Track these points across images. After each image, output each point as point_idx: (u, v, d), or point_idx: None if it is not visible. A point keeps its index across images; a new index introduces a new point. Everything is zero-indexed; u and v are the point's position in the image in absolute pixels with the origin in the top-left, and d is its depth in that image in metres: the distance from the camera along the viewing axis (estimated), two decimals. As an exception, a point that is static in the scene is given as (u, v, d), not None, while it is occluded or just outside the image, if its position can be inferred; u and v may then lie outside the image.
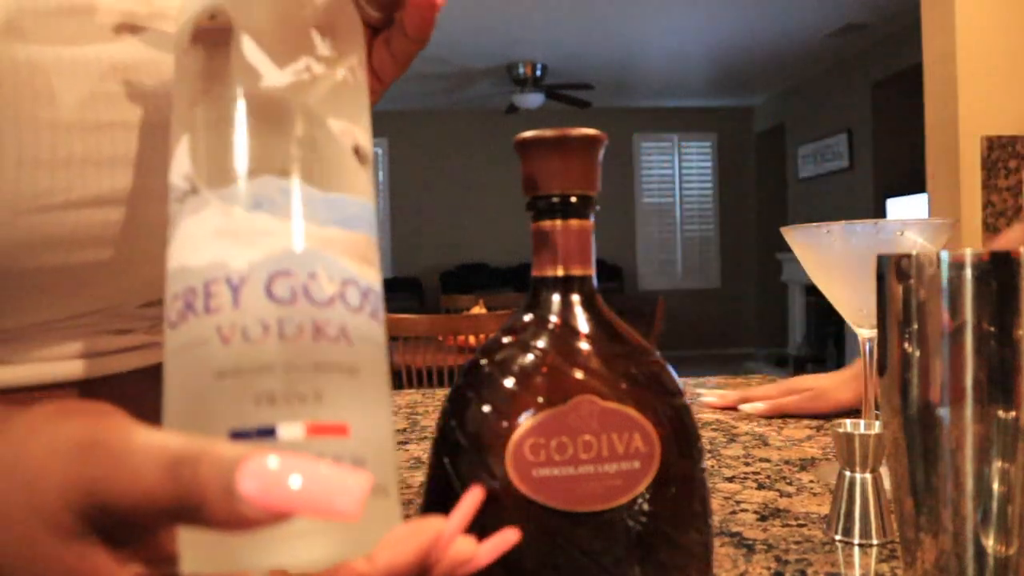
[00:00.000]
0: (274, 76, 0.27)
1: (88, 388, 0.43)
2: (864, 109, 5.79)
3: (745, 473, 0.63)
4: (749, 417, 0.87)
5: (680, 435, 0.35)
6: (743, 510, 0.54)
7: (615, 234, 7.63)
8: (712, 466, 0.66)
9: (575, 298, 0.36)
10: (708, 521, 0.36)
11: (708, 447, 0.72)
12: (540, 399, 0.33)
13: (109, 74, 0.39)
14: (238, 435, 0.23)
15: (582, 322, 0.35)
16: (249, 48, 0.27)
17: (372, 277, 0.28)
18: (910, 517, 0.33)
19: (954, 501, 0.31)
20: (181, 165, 0.26)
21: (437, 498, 0.35)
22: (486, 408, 0.34)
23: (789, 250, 0.65)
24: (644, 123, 7.74)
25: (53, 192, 0.37)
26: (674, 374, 0.36)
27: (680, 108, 7.74)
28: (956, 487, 0.31)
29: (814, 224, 0.59)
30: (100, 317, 0.44)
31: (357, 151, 0.29)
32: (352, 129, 0.29)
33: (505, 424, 0.33)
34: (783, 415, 0.85)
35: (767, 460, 0.67)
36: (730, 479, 0.62)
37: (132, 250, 0.42)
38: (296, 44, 0.27)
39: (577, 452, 0.33)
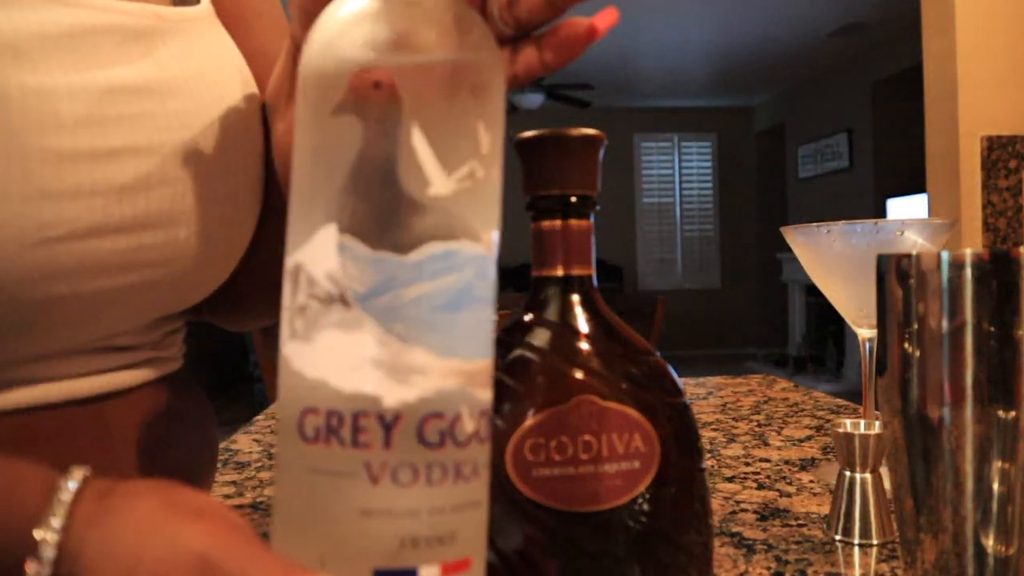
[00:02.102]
0: (441, 184, 0.24)
1: (97, 404, 0.43)
2: (864, 109, 5.79)
3: (745, 473, 0.63)
4: (749, 417, 0.87)
5: (680, 435, 0.35)
6: (743, 510, 0.54)
7: (615, 234, 7.63)
8: (712, 466, 0.66)
9: (575, 298, 0.36)
10: (708, 521, 0.36)
11: (708, 447, 0.72)
12: (540, 399, 0.33)
13: (112, 96, 0.38)
14: (381, 574, 0.23)
15: (582, 322, 0.35)
16: (419, 143, 0.23)
17: (490, 398, 0.27)
18: (910, 517, 0.33)
19: (954, 501, 0.31)
20: (325, 260, 0.24)
21: None
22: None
23: (789, 250, 0.65)
24: (644, 123, 7.74)
25: (59, 223, 0.37)
26: (674, 374, 0.36)
27: (680, 108, 7.73)
28: (956, 487, 0.31)
29: (814, 224, 0.59)
30: (108, 337, 0.43)
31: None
32: (495, 220, 0.26)
33: (505, 424, 0.33)
34: None
35: (767, 460, 0.67)
36: (730, 479, 0.62)
37: (141, 276, 0.42)
38: (463, 139, 0.24)
39: (577, 452, 0.33)
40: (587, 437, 0.33)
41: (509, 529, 0.33)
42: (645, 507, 0.34)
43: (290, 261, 0.25)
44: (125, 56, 0.40)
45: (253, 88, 0.48)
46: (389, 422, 0.23)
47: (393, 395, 0.23)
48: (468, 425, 0.25)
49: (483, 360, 0.25)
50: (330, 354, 0.24)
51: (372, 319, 0.24)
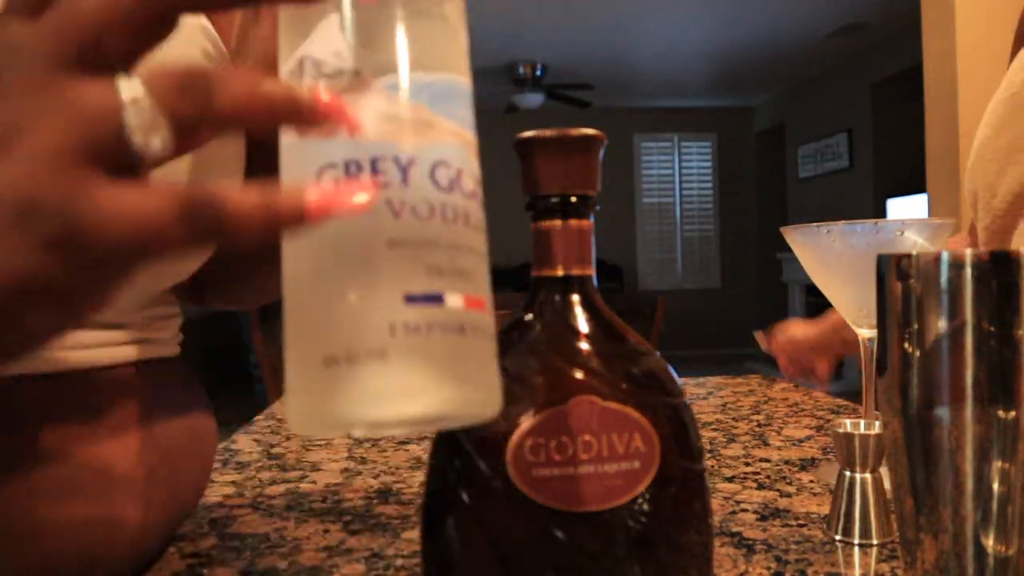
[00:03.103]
0: None
1: (81, 378, 0.43)
2: (864, 109, 5.79)
3: (745, 473, 0.63)
4: (749, 417, 0.87)
5: (680, 435, 0.35)
6: (743, 510, 0.54)
7: (615, 234, 7.63)
8: (712, 466, 0.66)
9: (575, 298, 0.36)
10: (708, 521, 0.36)
11: (708, 447, 0.72)
12: (540, 399, 0.33)
13: None
14: (412, 299, 0.25)
15: (582, 322, 0.35)
16: None
17: (479, 173, 0.30)
18: (910, 517, 0.33)
19: (954, 501, 0.31)
20: (331, 42, 0.26)
21: (437, 498, 0.35)
22: None
23: (789, 250, 0.65)
24: (644, 123, 7.74)
25: None
26: (674, 374, 0.36)
27: (680, 108, 7.74)
28: (956, 487, 0.31)
29: (814, 224, 0.59)
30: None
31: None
32: (466, 38, 0.30)
33: (505, 424, 0.33)
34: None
35: (767, 460, 0.67)
36: (730, 479, 0.62)
37: None
38: None
39: (577, 452, 0.33)
40: (587, 437, 0.33)
41: (509, 529, 0.33)
42: (645, 507, 0.34)
43: (291, 63, 0.27)
44: None
45: (220, 45, 0.48)
46: (404, 164, 0.26)
47: (406, 141, 0.26)
48: (468, 183, 0.27)
49: (474, 138, 0.29)
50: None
51: (380, 83, 0.26)
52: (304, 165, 0.26)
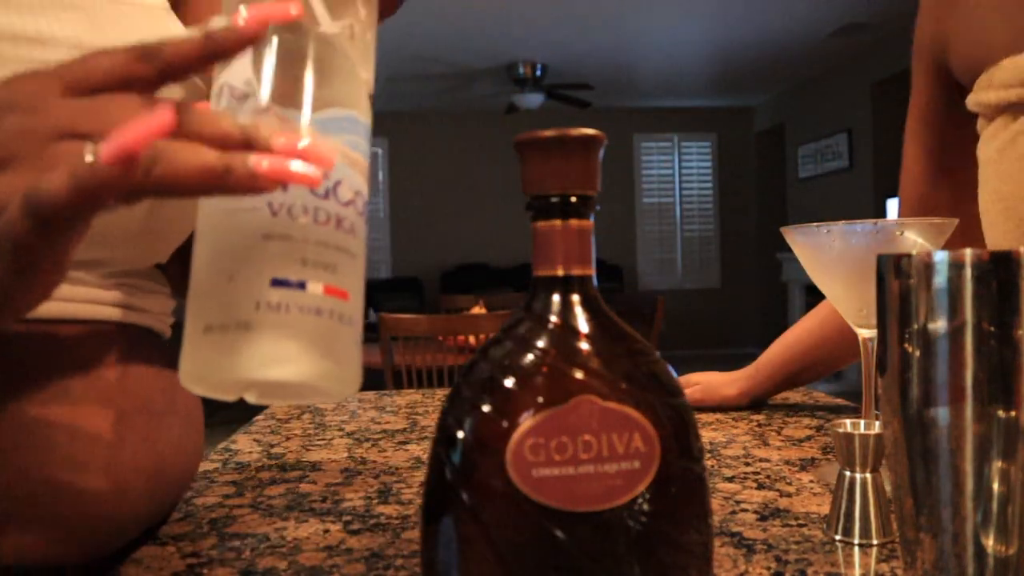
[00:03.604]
0: (329, 25, 0.33)
1: (51, 325, 0.46)
2: (864, 109, 5.79)
3: (745, 473, 0.63)
4: (749, 417, 0.87)
5: (680, 435, 0.35)
6: (743, 510, 0.54)
7: (615, 234, 7.63)
8: (712, 466, 0.66)
9: (575, 298, 0.36)
10: (708, 521, 0.36)
11: (708, 447, 0.72)
12: (540, 399, 0.33)
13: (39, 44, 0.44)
14: (278, 282, 0.30)
15: (582, 322, 0.35)
16: (316, 2, 0.33)
17: (365, 188, 0.34)
18: (910, 517, 0.33)
19: (954, 501, 0.31)
20: (242, 71, 0.32)
21: (437, 498, 0.35)
22: (486, 408, 0.34)
23: (789, 250, 0.65)
24: (644, 123, 7.74)
25: None
26: (674, 374, 0.36)
27: (680, 108, 7.74)
28: (956, 487, 0.31)
29: (814, 224, 0.59)
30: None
31: (370, 95, 0.36)
32: (370, 78, 0.35)
33: (505, 424, 0.33)
34: None
35: (767, 460, 0.67)
36: (730, 479, 0.62)
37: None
38: (345, 7, 0.34)
39: (577, 452, 0.33)
40: (587, 437, 0.33)
41: (509, 529, 0.33)
42: (645, 507, 0.34)
43: (215, 86, 0.33)
44: (60, 16, 0.45)
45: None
46: None
47: None
48: (346, 193, 0.32)
49: (362, 160, 0.34)
50: None
51: (276, 106, 0.31)
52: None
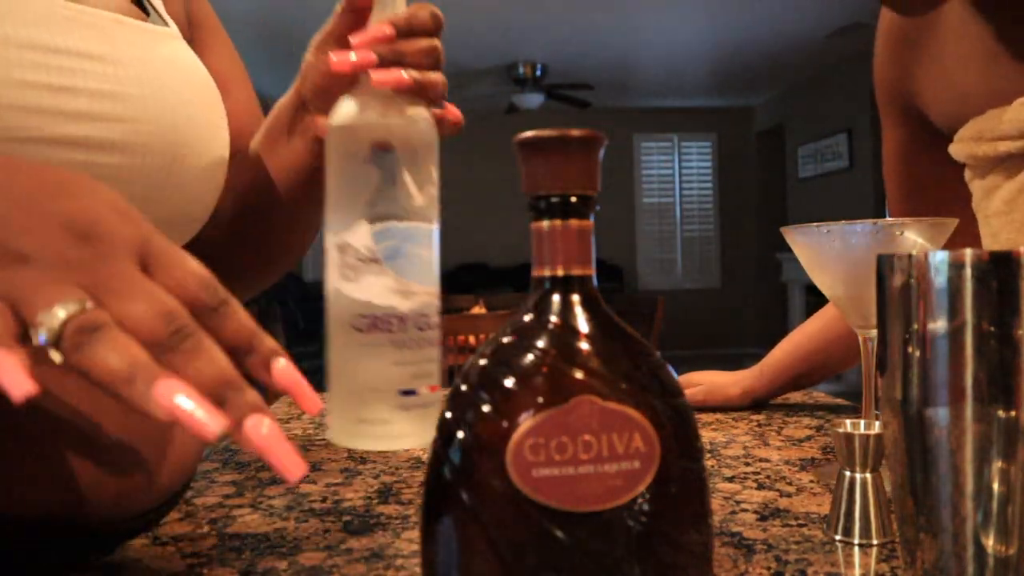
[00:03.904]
0: (418, 199, 0.44)
1: None
2: (864, 109, 5.78)
3: (745, 473, 0.63)
4: (749, 417, 0.87)
5: (680, 435, 0.35)
6: (743, 510, 0.54)
7: (615, 234, 7.63)
8: (712, 466, 0.66)
9: (575, 298, 0.36)
10: (708, 521, 0.36)
11: (708, 447, 0.72)
12: (540, 399, 0.33)
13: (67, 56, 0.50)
14: (403, 392, 0.43)
15: (582, 322, 0.35)
16: (407, 178, 0.44)
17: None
18: (910, 517, 0.33)
19: (954, 501, 0.31)
20: (362, 238, 0.43)
21: (437, 497, 0.35)
22: (486, 408, 0.34)
23: (789, 250, 0.65)
24: (644, 123, 7.74)
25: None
26: (674, 374, 0.36)
27: (680, 108, 7.74)
28: (956, 487, 0.31)
29: (814, 224, 0.59)
30: None
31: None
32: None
33: (505, 424, 0.33)
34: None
35: (767, 460, 0.67)
36: (730, 479, 0.62)
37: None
38: (426, 177, 0.45)
39: (577, 452, 0.33)
40: (587, 437, 0.33)
41: (508, 529, 0.33)
42: (645, 507, 0.34)
43: (336, 239, 0.43)
44: (86, 35, 0.51)
45: (218, 98, 0.61)
46: (402, 317, 0.43)
47: (403, 305, 0.43)
48: (434, 320, 0.44)
49: (437, 289, 0.45)
50: (370, 288, 0.43)
51: (391, 270, 0.43)
52: (346, 311, 0.43)
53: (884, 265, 0.33)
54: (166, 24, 0.60)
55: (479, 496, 0.33)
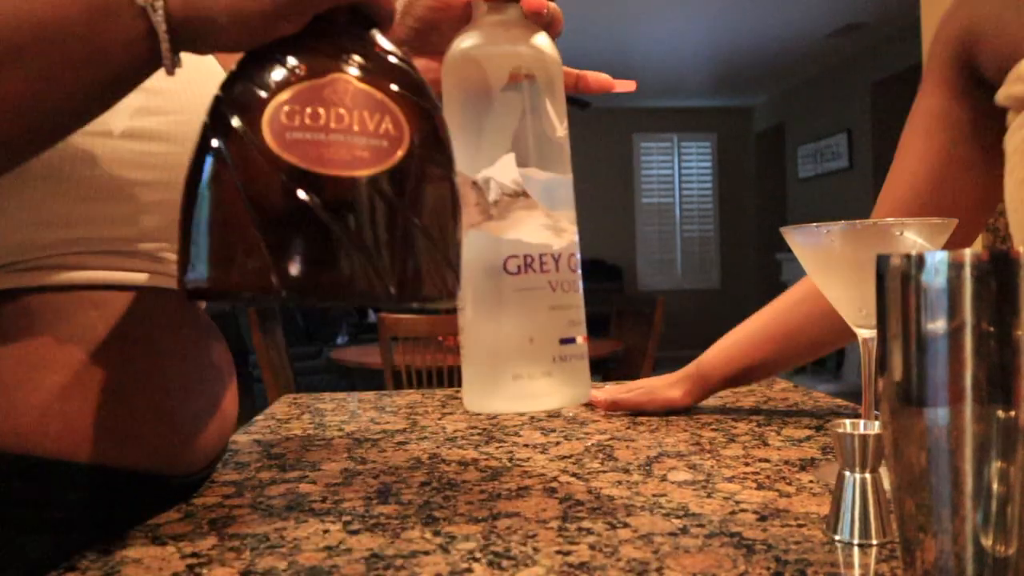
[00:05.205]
0: (559, 131, 0.43)
1: (93, 292, 0.52)
2: (864, 109, 5.79)
3: (745, 473, 0.63)
4: (749, 417, 0.87)
5: (431, 139, 0.38)
6: (743, 510, 0.54)
7: (615, 234, 7.63)
8: (712, 466, 0.66)
9: (374, 31, 0.40)
10: (454, 221, 0.39)
11: (708, 447, 0.72)
12: (300, 72, 0.37)
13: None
14: (564, 341, 0.41)
15: (369, 42, 0.39)
16: (549, 108, 0.43)
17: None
18: (910, 517, 0.33)
19: (954, 501, 0.31)
20: (509, 172, 0.41)
21: (200, 147, 0.38)
22: (251, 83, 0.37)
23: (789, 250, 0.65)
24: (644, 123, 7.74)
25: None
26: (431, 91, 0.40)
27: (680, 108, 7.74)
28: (956, 487, 0.31)
29: (814, 224, 0.59)
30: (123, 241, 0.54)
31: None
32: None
33: (265, 94, 0.36)
34: (620, 410, 0.91)
35: (767, 460, 0.67)
36: (730, 479, 0.62)
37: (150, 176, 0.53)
38: (561, 107, 0.44)
39: (328, 121, 0.36)
40: (340, 111, 0.36)
41: (256, 181, 0.36)
42: (387, 187, 0.36)
43: (477, 175, 0.42)
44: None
45: None
46: (557, 257, 0.41)
47: (557, 243, 0.42)
48: (576, 262, 0.43)
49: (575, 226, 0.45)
50: (520, 224, 0.41)
51: (542, 204, 0.41)
52: (491, 253, 0.41)
53: (884, 265, 0.33)
54: None
55: (234, 147, 0.36)
